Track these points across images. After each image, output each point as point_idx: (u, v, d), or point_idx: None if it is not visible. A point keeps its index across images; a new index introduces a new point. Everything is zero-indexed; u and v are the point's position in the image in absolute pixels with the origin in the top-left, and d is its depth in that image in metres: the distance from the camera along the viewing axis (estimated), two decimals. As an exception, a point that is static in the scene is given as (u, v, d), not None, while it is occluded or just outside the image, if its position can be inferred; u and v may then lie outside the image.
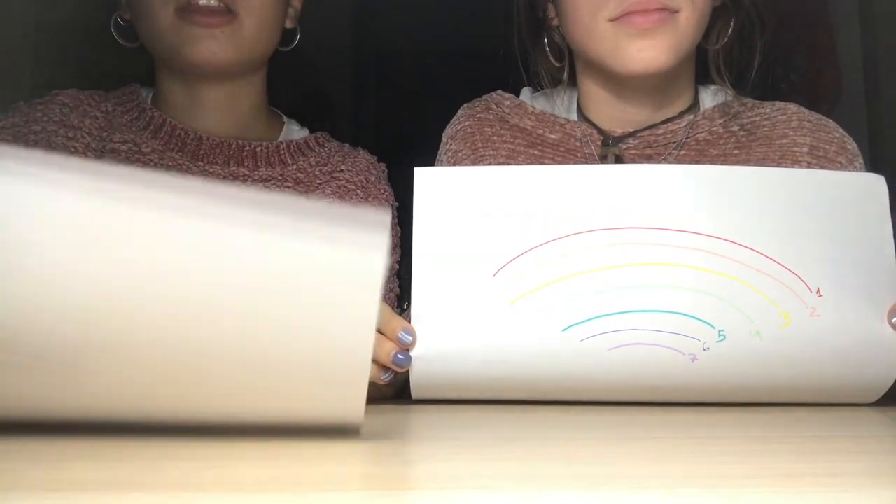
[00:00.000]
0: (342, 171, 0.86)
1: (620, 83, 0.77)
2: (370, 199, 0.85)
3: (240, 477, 0.35)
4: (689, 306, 0.52)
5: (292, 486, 0.33)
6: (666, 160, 0.76)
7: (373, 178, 0.87)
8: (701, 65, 0.82)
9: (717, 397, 0.55)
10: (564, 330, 0.52)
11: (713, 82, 0.82)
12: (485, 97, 0.85)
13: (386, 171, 0.89)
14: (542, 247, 0.53)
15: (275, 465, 0.37)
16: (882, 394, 0.55)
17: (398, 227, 0.84)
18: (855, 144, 0.78)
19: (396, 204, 0.85)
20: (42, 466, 0.37)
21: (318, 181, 0.84)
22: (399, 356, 0.53)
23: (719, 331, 0.52)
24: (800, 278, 0.53)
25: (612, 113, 0.80)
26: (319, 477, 0.35)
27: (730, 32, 0.79)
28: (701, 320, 0.52)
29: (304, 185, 0.83)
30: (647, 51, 0.70)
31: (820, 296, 0.53)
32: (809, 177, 0.56)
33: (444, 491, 0.33)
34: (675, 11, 0.70)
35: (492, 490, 0.32)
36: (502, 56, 0.86)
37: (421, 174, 0.56)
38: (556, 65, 0.83)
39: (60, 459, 0.39)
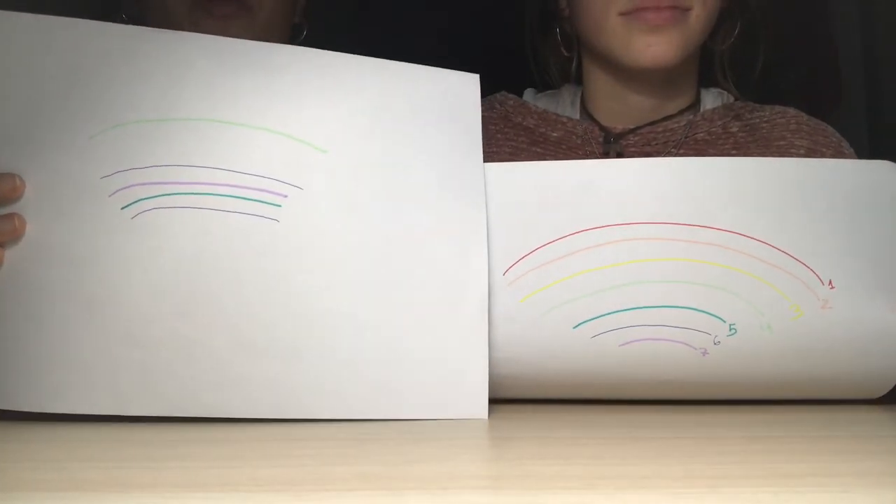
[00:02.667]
0: None
1: (627, 76, 0.78)
2: None
3: (240, 477, 0.35)
4: (700, 301, 0.52)
5: (292, 486, 0.33)
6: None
7: None
8: (704, 66, 0.82)
9: (729, 392, 0.55)
10: (575, 327, 0.52)
11: (715, 84, 0.83)
12: (488, 97, 0.86)
13: None
14: (551, 243, 0.53)
15: (275, 465, 0.37)
16: (893, 385, 0.55)
17: None
18: (852, 149, 0.78)
19: None
20: (42, 466, 0.37)
21: None
22: None
23: (730, 325, 0.52)
24: (811, 270, 0.52)
25: (616, 107, 0.81)
26: (320, 477, 0.35)
27: (735, 33, 0.79)
28: (711, 314, 0.52)
29: None
30: (657, 46, 0.71)
31: (832, 288, 0.52)
32: (819, 166, 0.55)
33: (444, 491, 0.33)
34: (686, 9, 0.71)
35: (492, 490, 0.32)
36: (507, 58, 0.86)
37: None
38: (566, 55, 0.84)
39: (60, 459, 0.39)
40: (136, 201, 0.49)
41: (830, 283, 0.52)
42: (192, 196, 0.49)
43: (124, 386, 0.48)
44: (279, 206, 0.49)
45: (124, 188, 0.49)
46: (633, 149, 0.79)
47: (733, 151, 0.77)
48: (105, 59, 0.50)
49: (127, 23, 0.81)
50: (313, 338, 0.49)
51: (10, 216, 0.49)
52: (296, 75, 0.51)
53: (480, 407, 0.50)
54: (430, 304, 0.50)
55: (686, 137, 0.78)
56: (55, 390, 0.48)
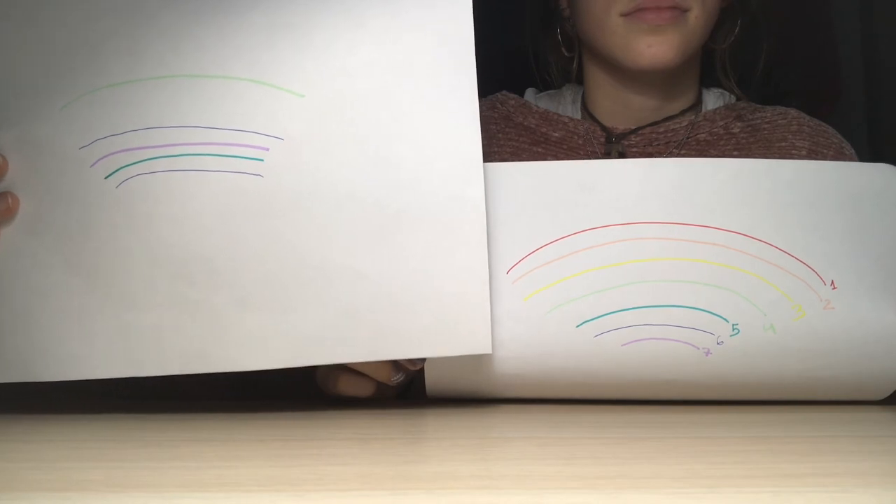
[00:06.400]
0: None
1: (628, 76, 0.78)
2: None
3: (240, 477, 0.35)
4: (703, 301, 0.52)
5: (292, 486, 0.33)
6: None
7: None
8: (706, 66, 0.82)
9: (731, 392, 0.55)
10: (578, 326, 0.52)
11: (717, 84, 0.83)
12: (489, 97, 0.86)
13: None
14: (555, 242, 0.53)
15: (275, 465, 0.37)
16: (894, 388, 0.55)
17: None
18: (853, 150, 0.78)
19: None
20: (42, 466, 0.37)
21: None
22: None
23: (733, 325, 0.52)
24: (813, 271, 0.52)
25: (617, 108, 0.81)
26: (320, 477, 0.35)
27: (736, 32, 0.80)
28: (714, 314, 0.52)
29: None
30: (657, 46, 0.71)
31: (834, 288, 0.53)
32: (822, 168, 0.55)
33: (444, 491, 0.32)
34: (685, 10, 0.71)
35: (492, 490, 0.32)
36: (508, 56, 0.86)
37: None
38: (567, 55, 0.84)
39: (60, 459, 0.39)
40: (118, 169, 0.48)
41: (832, 283, 0.52)
42: (172, 159, 0.48)
43: (135, 349, 0.48)
44: (261, 160, 0.48)
45: (104, 157, 0.48)
46: (634, 149, 0.79)
47: (735, 152, 0.77)
48: (66, 22, 0.49)
49: None
50: (311, 290, 0.48)
51: (3, 195, 0.49)
52: (264, 11, 0.49)
53: (483, 342, 0.49)
54: (427, 242, 0.49)
55: (688, 138, 0.78)
56: (69, 359, 0.48)
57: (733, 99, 0.82)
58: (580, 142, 0.80)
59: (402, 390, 0.59)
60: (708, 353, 0.52)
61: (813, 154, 0.76)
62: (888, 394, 0.55)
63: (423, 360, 0.53)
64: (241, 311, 0.48)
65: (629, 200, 0.53)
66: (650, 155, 0.78)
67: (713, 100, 0.82)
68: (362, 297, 0.48)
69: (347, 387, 0.55)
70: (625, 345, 0.52)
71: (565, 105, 0.85)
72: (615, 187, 0.53)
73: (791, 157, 0.76)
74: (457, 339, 0.49)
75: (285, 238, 0.48)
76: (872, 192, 0.54)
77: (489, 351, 0.49)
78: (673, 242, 0.52)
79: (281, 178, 0.48)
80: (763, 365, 0.53)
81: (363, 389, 0.55)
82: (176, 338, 0.48)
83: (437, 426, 0.49)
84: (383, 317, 0.49)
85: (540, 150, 0.81)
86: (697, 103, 0.82)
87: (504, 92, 0.86)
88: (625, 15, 0.71)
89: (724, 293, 0.52)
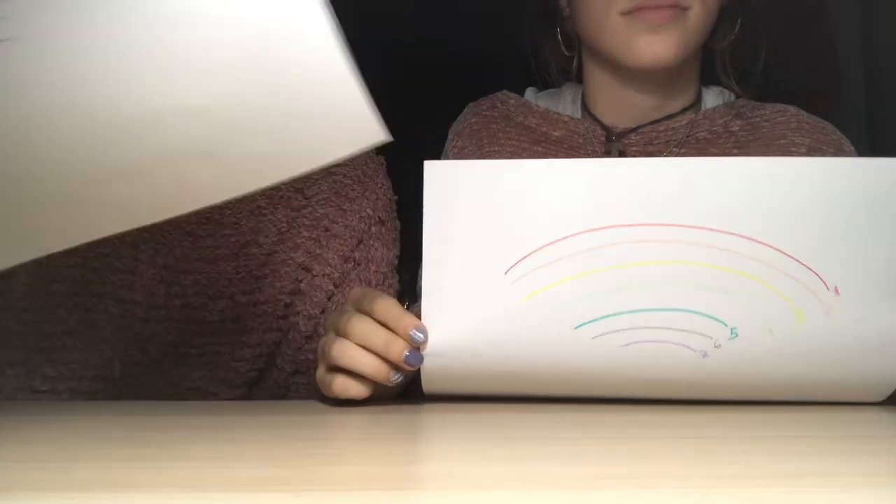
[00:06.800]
0: (338, 164, 0.85)
1: (628, 75, 0.78)
2: (367, 192, 0.84)
3: (240, 477, 0.35)
4: (702, 304, 0.52)
5: (292, 486, 0.33)
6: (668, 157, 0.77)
7: (370, 172, 0.86)
8: (706, 65, 0.82)
9: (728, 395, 0.54)
10: (576, 328, 0.52)
11: (717, 83, 0.83)
12: (490, 96, 0.86)
13: (384, 164, 0.88)
14: (554, 244, 0.52)
15: (274, 465, 0.38)
16: (893, 390, 0.55)
17: (397, 222, 0.83)
18: (852, 147, 0.78)
19: (395, 197, 0.85)
20: (42, 466, 0.37)
21: (315, 175, 0.84)
22: (409, 355, 0.53)
23: (732, 328, 0.52)
24: (817, 275, 0.52)
25: (617, 107, 0.81)
26: (320, 477, 0.35)
27: (736, 31, 0.80)
28: (713, 318, 0.52)
29: (299, 178, 0.82)
30: (657, 45, 0.71)
31: (837, 294, 0.52)
32: (825, 166, 0.54)
33: (444, 491, 0.33)
34: (685, 9, 0.72)
35: (492, 490, 0.32)
36: (507, 56, 0.86)
37: (431, 168, 0.54)
38: (567, 54, 0.84)
39: (60, 459, 0.39)
40: None
41: (836, 289, 0.52)
42: None
43: (71, 223, 0.45)
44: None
45: None
46: (634, 148, 0.79)
47: (735, 150, 0.77)
48: None
49: None
50: (161, 141, 0.43)
51: None
52: None
53: (373, 130, 0.44)
54: (277, 60, 0.43)
55: (688, 136, 0.79)
56: (22, 243, 0.45)
57: (733, 97, 0.82)
58: (580, 141, 0.80)
59: (401, 390, 0.59)
60: (705, 355, 0.52)
61: (813, 151, 0.76)
62: (886, 396, 0.55)
63: (421, 359, 0.53)
64: (107, 184, 0.43)
65: (629, 202, 0.52)
66: (650, 153, 0.78)
67: (713, 98, 0.82)
68: (221, 132, 0.43)
69: (345, 388, 0.55)
70: (622, 347, 0.52)
71: (565, 104, 0.85)
72: (615, 188, 0.53)
73: (791, 154, 0.76)
74: (346, 139, 0.44)
75: (126, 96, 0.42)
76: (876, 189, 0.53)
77: (383, 138, 0.44)
78: (673, 245, 0.52)
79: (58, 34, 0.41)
80: (760, 369, 0.53)
81: (361, 391, 0.55)
82: (85, 210, 0.44)
83: (437, 426, 0.49)
84: (259, 141, 0.44)
85: (540, 149, 0.81)
86: (697, 101, 0.82)
87: (504, 91, 0.86)
88: (625, 14, 0.72)
89: (724, 297, 0.52)
